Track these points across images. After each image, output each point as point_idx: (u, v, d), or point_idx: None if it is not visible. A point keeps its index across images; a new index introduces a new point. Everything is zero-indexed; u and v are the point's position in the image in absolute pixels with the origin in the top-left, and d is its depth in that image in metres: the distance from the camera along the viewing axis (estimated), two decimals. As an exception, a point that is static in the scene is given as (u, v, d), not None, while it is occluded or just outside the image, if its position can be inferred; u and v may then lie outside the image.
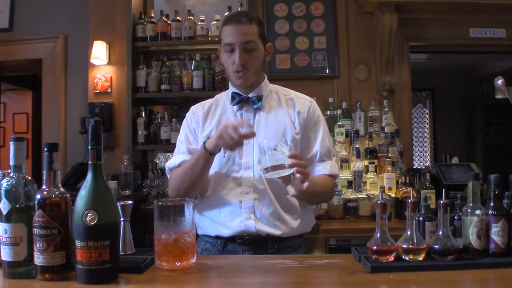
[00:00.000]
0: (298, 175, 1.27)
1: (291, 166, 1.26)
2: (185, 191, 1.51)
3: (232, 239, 1.51)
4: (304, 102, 1.63)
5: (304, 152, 1.56)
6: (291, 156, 1.28)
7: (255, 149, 1.52)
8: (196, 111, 1.66)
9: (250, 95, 1.59)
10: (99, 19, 3.34)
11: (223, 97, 1.66)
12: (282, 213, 1.52)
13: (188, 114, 1.67)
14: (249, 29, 1.49)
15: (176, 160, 1.60)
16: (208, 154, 1.44)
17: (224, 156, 1.52)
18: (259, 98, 1.58)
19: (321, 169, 1.56)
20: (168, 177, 1.63)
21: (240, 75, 1.52)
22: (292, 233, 1.54)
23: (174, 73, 3.20)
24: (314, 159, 1.57)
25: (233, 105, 1.59)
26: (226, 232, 1.51)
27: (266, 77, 1.66)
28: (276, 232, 1.50)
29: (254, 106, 1.57)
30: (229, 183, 1.53)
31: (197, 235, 1.50)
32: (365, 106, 3.11)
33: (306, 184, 1.28)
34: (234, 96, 1.59)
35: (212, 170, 1.54)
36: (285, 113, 1.58)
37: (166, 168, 1.64)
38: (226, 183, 1.53)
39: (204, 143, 1.45)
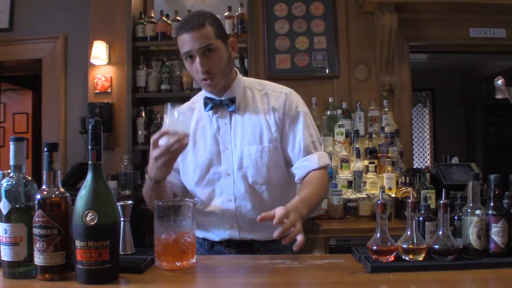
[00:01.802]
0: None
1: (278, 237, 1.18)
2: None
3: (218, 242, 1.52)
4: (279, 96, 1.52)
5: (288, 150, 1.50)
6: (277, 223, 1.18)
7: (234, 154, 1.48)
8: None
9: (223, 98, 1.51)
10: (99, 19, 3.34)
11: (200, 100, 1.57)
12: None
13: None
14: (203, 32, 1.39)
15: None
16: (157, 184, 1.39)
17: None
18: (232, 100, 1.50)
19: (309, 165, 1.47)
20: None
21: (208, 83, 1.44)
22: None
23: (174, 73, 3.20)
24: (299, 155, 1.49)
25: (207, 111, 1.52)
26: (212, 237, 1.52)
27: (238, 73, 1.56)
28: (261, 237, 1.48)
29: (229, 109, 1.50)
30: (211, 192, 1.50)
31: None
32: (365, 106, 3.11)
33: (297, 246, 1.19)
34: (206, 101, 1.52)
35: (193, 180, 1.52)
36: (260, 112, 1.50)
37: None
38: (208, 192, 1.50)
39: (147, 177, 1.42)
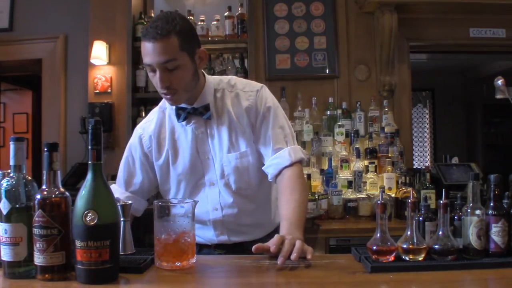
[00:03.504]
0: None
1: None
2: None
3: (207, 245, 1.52)
4: (249, 96, 1.46)
5: (260, 149, 1.45)
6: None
7: (216, 163, 1.45)
8: (143, 138, 1.51)
9: (196, 106, 1.43)
10: (99, 19, 3.34)
11: (168, 107, 1.49)
12: (253, 221, 1.50)
13: (133, 140, 1.54)
14: (166, 45, 1.28)
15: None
16: None
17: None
18: (206, 107, 1.43)
19: (280, 162, 1.41)
20: None
21: (168, 98, 1.37)
22: (267, 232, 1.52)
23: (174, 73, 3.20)
24: (270, 153, 1.43)
25: (180, 122, 1.44)
26: (200, 240, 1.51)
27: (206, 76, 1.48)
28: (251, 237, 1.48)
29: (203, 117, 1.43)
30: (198, 201, 1.50)
31: None
32: (365, 106, 3.11)
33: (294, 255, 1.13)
34: (179, 112, 1.43)
35: (177, 194, 1.50)
36: (233, 116, 1.44)
37: None
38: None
39: None
